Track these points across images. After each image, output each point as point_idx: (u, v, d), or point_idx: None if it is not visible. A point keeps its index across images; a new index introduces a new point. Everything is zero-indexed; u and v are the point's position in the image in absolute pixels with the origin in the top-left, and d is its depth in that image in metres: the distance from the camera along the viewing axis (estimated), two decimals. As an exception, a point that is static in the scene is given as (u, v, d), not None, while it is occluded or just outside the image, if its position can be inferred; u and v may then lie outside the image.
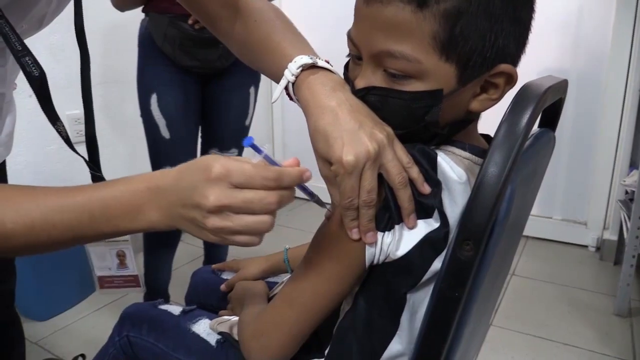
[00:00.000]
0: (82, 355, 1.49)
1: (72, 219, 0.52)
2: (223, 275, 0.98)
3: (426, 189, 0.53)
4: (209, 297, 0.95)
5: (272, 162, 0.50)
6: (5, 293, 1.03)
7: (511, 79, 0.56)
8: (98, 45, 2.01)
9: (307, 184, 0.52)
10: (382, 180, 0.54)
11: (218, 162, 0.48)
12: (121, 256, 0.89)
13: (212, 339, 0.75)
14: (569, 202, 2.39)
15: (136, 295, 1.62)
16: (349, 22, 0.59)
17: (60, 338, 1.67)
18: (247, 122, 1.67)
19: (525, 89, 0.52)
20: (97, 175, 0.79)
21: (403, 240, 0.55)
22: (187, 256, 2.15)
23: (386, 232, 0.54)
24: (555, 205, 2.41)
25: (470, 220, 0.48)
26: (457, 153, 0.58)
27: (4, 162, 0.92)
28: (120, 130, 2.14)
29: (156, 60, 1.49)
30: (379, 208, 0.54)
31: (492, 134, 0.51)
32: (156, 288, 1.67)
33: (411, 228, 0.54)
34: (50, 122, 0.70)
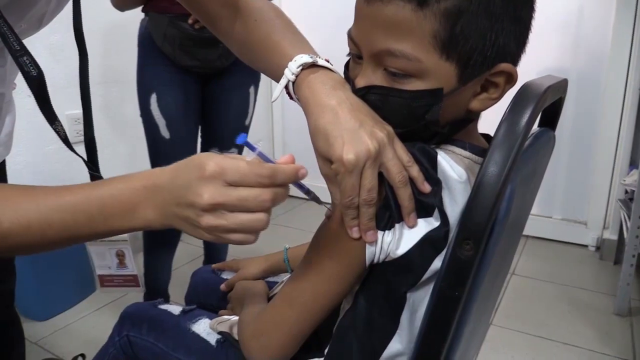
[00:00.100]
0: (82, 355, 1.49)
1: (69, 218, 0.51)
2: (223, 275, 0.98)
3: (426, 187, 0.53)
4: (208, 297, 0.95)
5: (267, 159, 0.49)
6: (5, 293, 1.03)
7: (511, 78, 0.56)
8: (98, 45, 2.01)
9: (303, 181, 0.52)
10: (382, 179, 0.54)
11: (212, 160, 0.48)
12: (120, 256, 0.89)
13: (212, 338, 0.75)
14: (568, 202, 2.39)
15: (136, 295, 1.63)
16: (349, 22, 0.59)
17: (60, 338, 1.67)
18: (247, 122, 1.67)
19: (525, 88, 0.52)
20: (95, 175, 0.79)
21: (403, 239, 0.55)
22: (187, 256, 2.15)
23: (386, 231, 0.54)
24: (555, 205, 2.41)
25: (470, 219, 0.48)
26: (457, 152, 0.58)
27: (3, 162, 0.92)
28: (120, 130, 2.14)
29: (156, 60, 1.48)
30: (379, 207, 0.54)
31: (492, 134, 0.51)
32: (156, 288, 1.67)
33: (411, 227, 0.54)
34: (48, 122, 0.70)
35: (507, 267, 0.82)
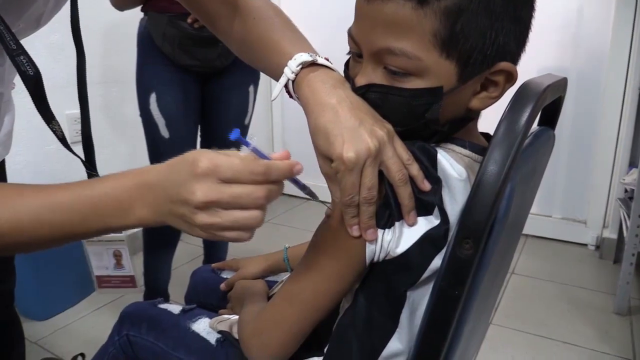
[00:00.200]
0: (82, 355, 1.49)
1: (62, 217, 0.51)
2: (223, 275, 0.98)
3: (426, 186, 0.53)
4: (208, 296, 0.95)
5: (262, 155, 0.49)
6: (5, 293, 1.03)
7: (511, 77, 0.56)
8: (98, 45, 2.01)
9: (299, 177, 0.51)
10: (382, 177, 0.54)
11: (205, 157, 0.47)
12: (118, 256, 0.89)
13: (212, 337, 0.75)
14: (568, 201, 2.39)
15: (136, 295, 1.63)
16: (349, 21, 0.59)
17: (59, 338, 1.67)
18: (246, 121, 1.67)
19: (524, 87, 0.52)
20: (93, 174, 0.79)
21: (403, 237, 0.55)
22: (187, 255, 2.15)
23: (386, 230, 0.54)
24: (554, 204, 2.41)
25: (469, 218, 0.48)
26: (457, 151, 0.58)
27: (3, 162, 0.92)
28: (120, 130, 2.14)
29: (155, 59, 1.48)
30: (379, 205, 0.54)
31: (492, 133, 0.51)
32: (156, 287, 1.67)
33: (411, 225, 0.54)
34: (45, 121, 0.70)
35: (507, 266, 0.82)
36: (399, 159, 0.53)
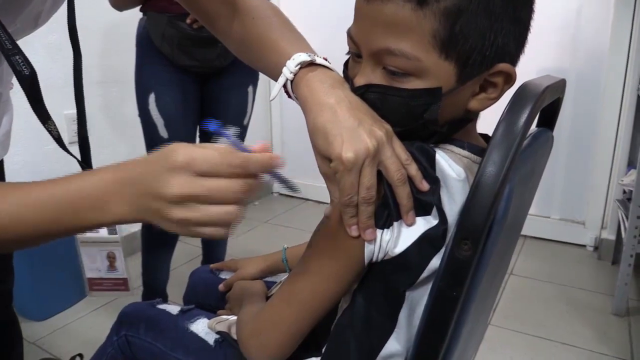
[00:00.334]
0: (80, 355, 1.48)
1: (36, 214, 0.49)
2: (221, 275, 0.97)
3: (425, 186, 0.54)
4: (207, 297, 0.95)
5: (241, 148, 0.47)
6: (3, 292, 1.03)
7: (510, 79, 0.56)
8: (97, 45, 2.01)
9: (280, 171, 0.49)
10: (381, 177, 0.54)
11: (182, 150, 0.45)
12: (111, 258, 0.88)
13: (211, 338, 0.75)
14: (567, 202, 2.39)
15: (134, 295, 1.62)
16: (348, 22, 0.59)
17: (57, 338, 1.67)
18: (245, 122, 1.67)
19: (523, 88, 0.52)
20: None
21: (401, 237, 0.55)
22: (185, 256, 2.15)
23: (385, 229, 0.54)
24: (553, 205, 2.42)
25: (468, 219, 0.48)
26: (456, 151, 0.58)
27: (1, 162, 0.92)
28: (120, 130, 2.14)
29: (154, 59, 1.48)
30: (377, 205, 0.54)
31: (490, 134, 0.51)
32: (154, 288, 1.66)
33: (410, 225, 0.54)
34: (40, 121, 0.69)
35: (505, 267, 0.82)
36: (398, 159, 0.53)
